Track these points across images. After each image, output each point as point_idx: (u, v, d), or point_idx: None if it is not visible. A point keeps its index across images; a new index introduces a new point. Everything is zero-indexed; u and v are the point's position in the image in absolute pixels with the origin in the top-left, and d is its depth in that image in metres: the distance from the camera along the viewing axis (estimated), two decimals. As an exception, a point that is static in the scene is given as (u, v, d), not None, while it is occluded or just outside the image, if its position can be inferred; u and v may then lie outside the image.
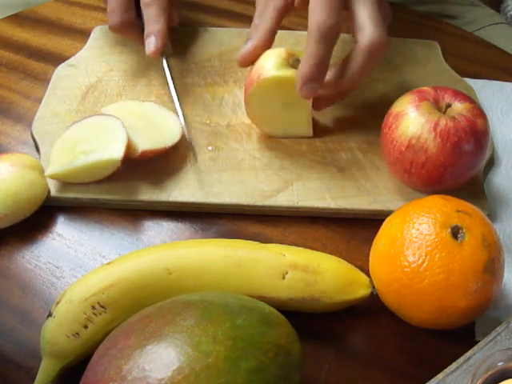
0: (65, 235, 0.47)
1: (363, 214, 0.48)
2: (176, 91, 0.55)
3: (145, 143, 0.48)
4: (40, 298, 0.43)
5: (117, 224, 0.48)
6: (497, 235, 0.39)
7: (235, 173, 0.50)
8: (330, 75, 0.47)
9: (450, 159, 0.44)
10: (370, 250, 0.42)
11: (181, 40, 0.63)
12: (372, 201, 0.48)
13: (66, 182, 0.48)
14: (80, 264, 0.45)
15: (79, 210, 0.49)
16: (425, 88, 0.47)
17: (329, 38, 0.44)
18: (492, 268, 0.37)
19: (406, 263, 0.38)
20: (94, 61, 0.60)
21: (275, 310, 0.36)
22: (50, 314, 0.38)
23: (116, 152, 0.46)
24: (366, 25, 0.44)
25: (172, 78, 0.56)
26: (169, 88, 0.55)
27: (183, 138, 0.51)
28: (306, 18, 0.45)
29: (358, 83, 0.48)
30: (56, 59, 0.61)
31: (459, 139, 0.44)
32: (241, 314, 0.33)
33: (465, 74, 0.60)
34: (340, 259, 0.42)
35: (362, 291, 0.41)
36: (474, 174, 0.47)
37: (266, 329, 0.33)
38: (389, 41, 0.45)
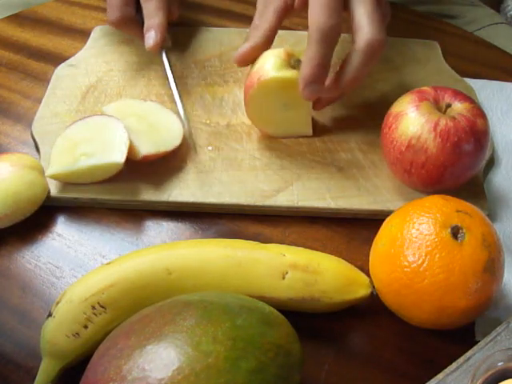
0: (65, 235, 0.47)
1: (363, 213, 0.48)
2: (175, 84, 0.55)
3: (146, 147, 0.48)
4: (40, 298, 0.43)
5: (117, 224, 0.48)
6: (497, 235, 0.39)
7: (235, 173, 0.50)
8: (329, 77, 0.47)
9: (450, 159, 0.44)
10: (369, 250, 0.42)
11: (181, 40, 0.63)
12: (372, 201, 0.48)
13: (66, 182, 0.48)
14: (80, 264, 0.45)
15: (79, 210, 0.49)
16: (425, 88, 0.47)
17: (329, 39, 0.44)
18: (492, 268, 0.37)
19: (405, 263, 0.38)
20: (94, 61, 0.60)
21: (275, 310, 0.36)
22: (50, 314, 0.38)
23: (118, 156, 0.46)
24: (364, 25, 0.44)
25: (172, 72, 0.56)
26: (169, 83, 0.55)
27: (184, 138, 0.51)
28: (306, 18, 0.45)
29: (359, 83, 0.48)
30: (56, 59, 0.61)
31: (459, 139, 0.44)
32: (241, 314, 0.33)
33: (465, 74, 0.60)
34: (340, 259, 0.42)
35: (362, 291, 0.41)
36: (474, 174, 0.47)
37: (265, 329, 0.33)
38: (387, 40, 0.45)
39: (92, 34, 0.63)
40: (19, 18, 0.68)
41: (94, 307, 0.38)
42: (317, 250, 0.42)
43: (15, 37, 0.65)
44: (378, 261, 0.40)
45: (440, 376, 0.36)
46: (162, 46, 0.56)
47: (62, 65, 0.60)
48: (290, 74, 0.47)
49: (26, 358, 0.40)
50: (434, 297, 0.37)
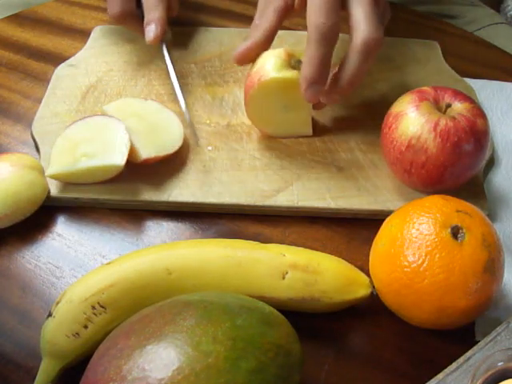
0: (65, 235, 0.47)
1: (363, 214, 0.48)
2: (176, 77, 0.55)
3: (147, 150, 0.48)
4: (40, 298, 0.43)
5: (117, 224, 0.48)
6: (497, 235, 0.39)
7: (235, 173, 0.50)
8: (329, 77, 0.47)
9: (450, 159, 0.44)
10: (369, 250, 0.42)
11: (181, 40, 0.63)
12: (372, 201, 0.48)
13: (66, 182, 0.48)
14: (80, 264, 0.45)
15: (79, 210, 0.49)
16: (425, 88, 0.47)
17: (328, 39, 0.44)
18: (492, 268, 0.37)
19: (405, 263, 0.38)
20: (94, 61, 0.60)
21: (275, 310, 0.36)
22: (50, 314, 0.38)
23: (119, 158, 0.46)
24: (361, 23, 0.44)
25: (172, 64, 0.57)
26: (169, 77, 0.56)
27: (184, 139, 0.51)
28: (306, 18, 0.45)
29: (358, 83, 0.48)
30: (56, 59, 0.61)
31: (459, 139, 0.44)
32: (241, 314, 0.33)
33: (465, 74, 0.60)
34: (340, 259, 0.42)
35: (362, 291, 0.41)
36: (474, 174, 0.47)
37: (265, 329, 0.33)
38: (383, 38, 0.45)
39: (92, 34, 0.63)
40: (19, 18, 0.68)
41: (94, 307, 0.38)
42: (317, 249, 0.42)
43: (15, 37, 0.65)
44: (378, 261, 0.40)
45: (440, 376, 0.36)
46: (162, 40, 0.57)
47: (62, 65, 0.60)
48: (290, 74, 0.47)
49: (26, 358, 0.40)
50: (434, 297, 0.37)
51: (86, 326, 0.37)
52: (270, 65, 0.48)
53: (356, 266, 0.42)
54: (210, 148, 0.52)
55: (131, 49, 0.62)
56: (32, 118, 0.54)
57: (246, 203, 0.48)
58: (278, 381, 0.32)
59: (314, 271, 0.40)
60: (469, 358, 0.36)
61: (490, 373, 0.33)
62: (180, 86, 0.55)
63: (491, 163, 0.53)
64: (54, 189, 0.48)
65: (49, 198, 0.48)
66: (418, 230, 0.38)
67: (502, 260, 0.39)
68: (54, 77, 0.58)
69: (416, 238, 0.38)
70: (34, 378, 0.37)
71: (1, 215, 0.45)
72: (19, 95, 0.58)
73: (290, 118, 0.51)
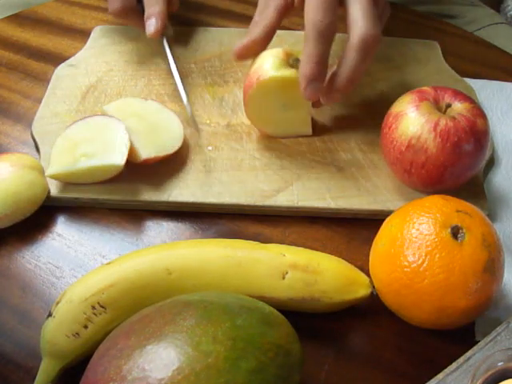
0: (65, 235, 0.47)
1: (363, 213, 0.48)
2: (177, 71, 0.56)
3: (147, 150, 0.48)
4: (40, 298, 0.43)
5: (117, 224, 0.48)
6: (497, 235, 0.39)
7: (235, 173, 0.50)
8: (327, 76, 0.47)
9: (450, 159, 0.44)
10: (369, 250, 0.42)
11: (181, 40, 0.63)
12: (372, 201, 0.48)
13: (66, 182, 0.48)
14: (80, 264, 0.45)
15: (79, 210, 0.49)
16: (425, 88, 0.47)
17: (326, 36, 0.44)
18: (492, 268, 0.37)
19: (406, 263, 0.38)
20: (94, 61, 0.60)
21: (275, 310, 0.36)
22: (50, 314, 0.38)
23: (119, 158, 0.46)
24: (358, 20, 0.44)
25: (173, 58, 0.57)
26: (171, 72, 0.56)
27: (184, 139, 0.51)
28: (304, 17, 0.45)
29: (357, 81, 0.47)
30: (56, 59, 0.61)
31: (459, 139, 0.44)
32: (241, 314, 0.33)
33: (465, 74, 0.60)
34: (340, 259, 0.42)
35: (362, 291, 0.41)
36: (474, 174, 0.47)
37: (265, 329, 0.33)
38: (381, 36, 0.45)
39: (92, 34, 0.63)
40: (19, 18, 0.68)
41: (94, 307, 0.38)
42: (317, 249, 0.42)
43: (15, 37, 0.65)
44: (378, 261, 0.40)
45: (440, 376, 0.36)
46: (162, 34, 0.57)
47: (62, 65, 0.60)
48: (289, 73, 0.47)
49: (26, 358, 0.40)
50: (434, 297, 0.37)
51: (86, 326, 0.37)
52: (268, 64, 0.48)
53: (356, 265, 0.42)
54: (210, 148, 0.52)
55: (131, 49, 0.62)
56: (32, 118, 0.54)
57: (246, 203, 0.48)
58: (278, 381, 0.32)
59: (314, 271, 0.40)
60: (469, 358, 0.36)
61: (490, 373, 0.33)
62: (182, 79, 0.55)
63: (491, 163, 0.53)
64: (54, 189, 0.48)
65: (49, 198, 0.48)
66: (417, 229, 0.38)
67: (502, 260, 0.39)
68: (53, 77, 0.58)
69: (416, 237, 0.38)
70: (34, 377, 0.37)
71: (1, 215, 0.45)
72: (19, 95, 0.58)
73: (290, 117, 0.51)
